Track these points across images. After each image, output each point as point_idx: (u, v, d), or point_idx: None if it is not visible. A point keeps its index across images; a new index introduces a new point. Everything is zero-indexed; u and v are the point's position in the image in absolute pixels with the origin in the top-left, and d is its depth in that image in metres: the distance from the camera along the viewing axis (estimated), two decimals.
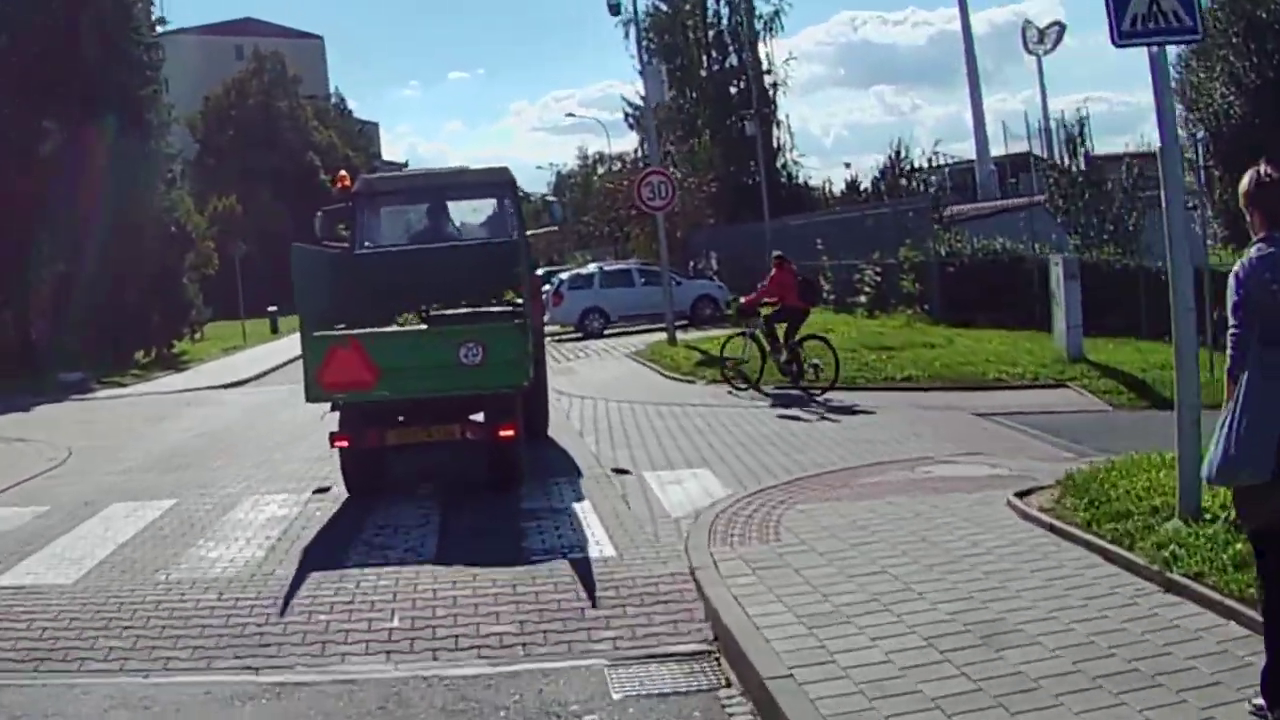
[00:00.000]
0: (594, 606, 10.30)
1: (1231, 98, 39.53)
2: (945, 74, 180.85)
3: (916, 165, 55.97)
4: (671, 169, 58.97)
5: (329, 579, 11.45)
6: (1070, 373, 25.62)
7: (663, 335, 37.25)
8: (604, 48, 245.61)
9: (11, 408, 29.85)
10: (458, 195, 20.36)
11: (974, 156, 70.54)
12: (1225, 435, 6.68)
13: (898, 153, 55.43)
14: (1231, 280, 6.78)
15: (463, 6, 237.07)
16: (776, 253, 28.10)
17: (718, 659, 8.91)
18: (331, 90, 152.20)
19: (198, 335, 60.17)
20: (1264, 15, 39.29)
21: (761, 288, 26.24)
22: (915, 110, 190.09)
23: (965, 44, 65.31)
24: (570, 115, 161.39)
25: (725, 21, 78.10)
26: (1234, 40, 39.55)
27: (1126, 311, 32.10)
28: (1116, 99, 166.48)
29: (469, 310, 15.71)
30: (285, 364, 44.49)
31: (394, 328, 15.88)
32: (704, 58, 78.25)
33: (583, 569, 11.37)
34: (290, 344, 56.19)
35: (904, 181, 54.53)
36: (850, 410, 22.20)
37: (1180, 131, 25.15)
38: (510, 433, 15.03)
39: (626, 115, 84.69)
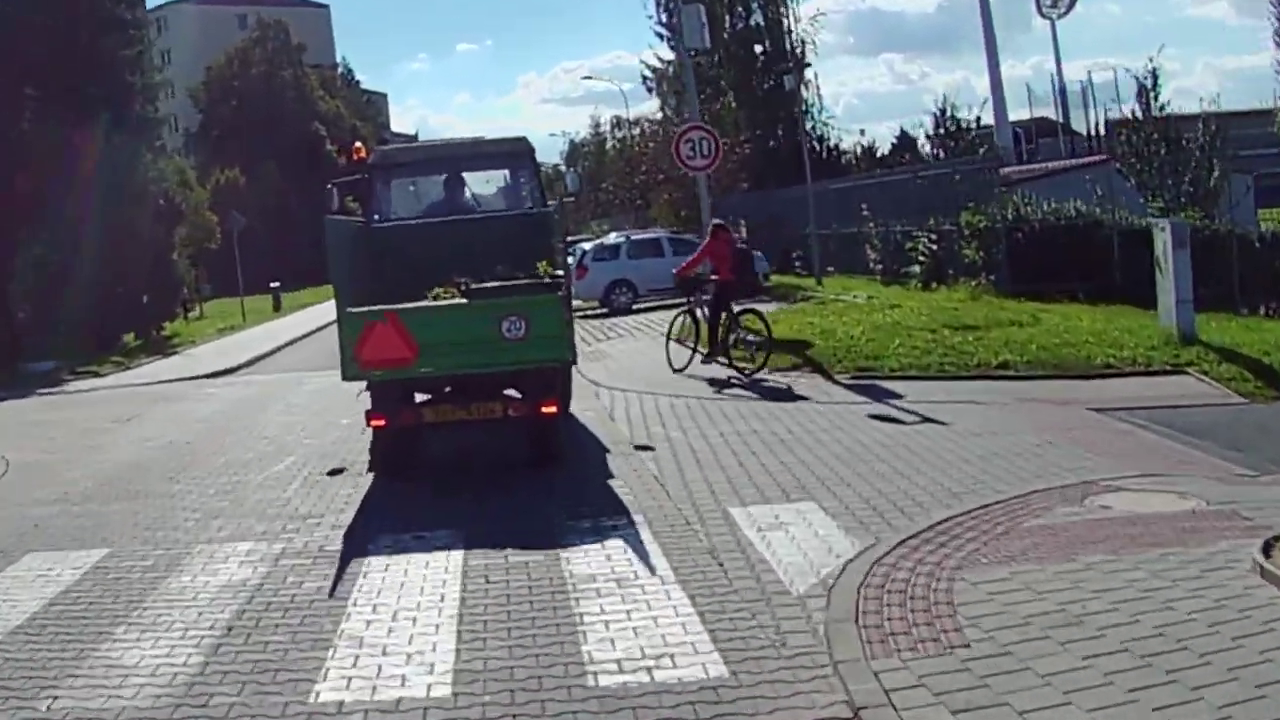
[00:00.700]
0: None
1: None
2: (953, 41, 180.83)
3: (964, 125, 51.78)
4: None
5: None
6: (1185, 356, 21.86)
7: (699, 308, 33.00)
8: (611, 19, 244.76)
9: None
10: (476, 166, 19.78)
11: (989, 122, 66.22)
12: None
13: (943, 111, 51.23)
14: None
15: None
16: (715, 220, 26.34)
17: None
18: (338, 60, 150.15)
19: (192, 315, 56.66)
20: None
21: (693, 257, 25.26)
22: (924, 78, 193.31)
23: (981, 6, 59.56)
24: (587, 78, 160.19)
25: None
26: None
27: (1219, 282, 28.54)
28: (1122, 64, 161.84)
29: (509, 283, 14.88)
30: (282, 347, 41.34)
31: (431, 302, 15.33)
32: (727, 17, 74.34)
33: None
34: (291, 324, 53.71)
35: (951, 143, 50.39)
36: (948, 406, 18.35)
37: None
38: (553, 409, 14.88)
39: (645, 79, 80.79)
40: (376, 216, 18.30)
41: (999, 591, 8.85)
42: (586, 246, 45.94)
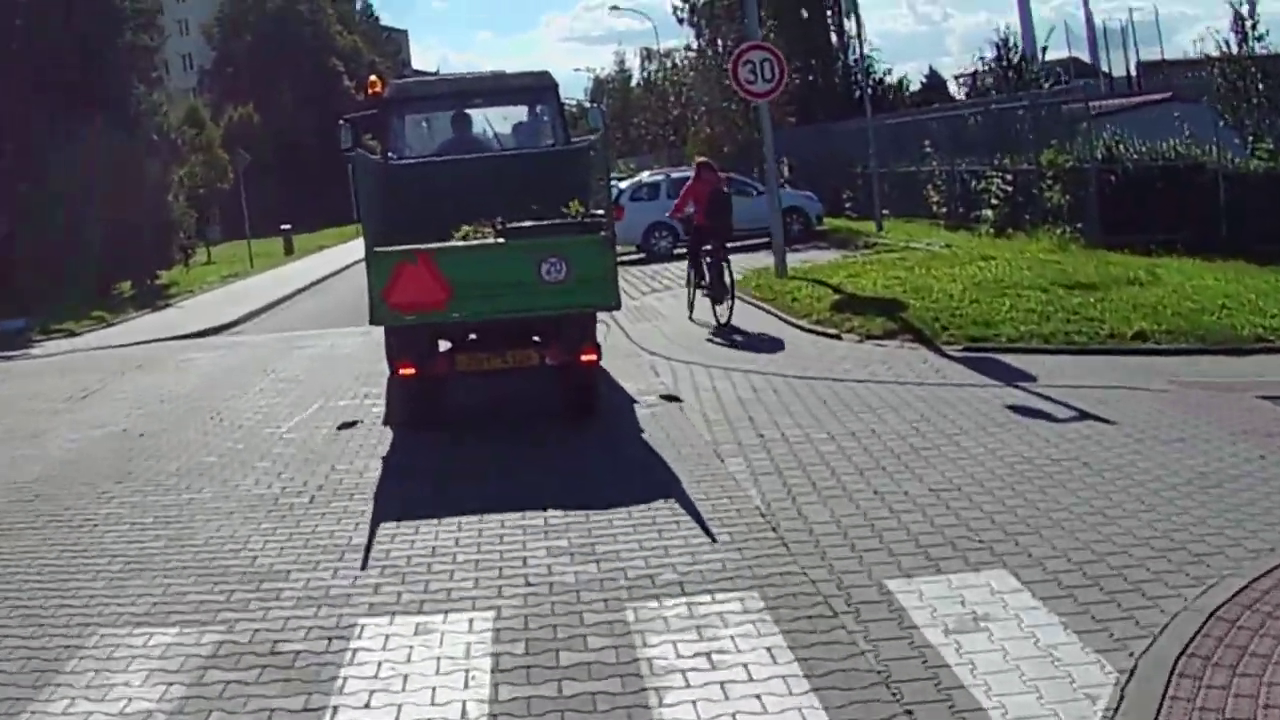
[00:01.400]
0: None
1: None
2: None
3: (1028, 58, 47.29)
4: (725, 68, 51.72)
5: None
6: None
7: (753, 258, 30.70)
8: None
9: None
10: (497, 101, 19.09)
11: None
12: None
13: (1005, 41, 46.75)
14: None
15: None
16: (700, 158, 25.91)
17: None
18: None
19: (197, 260, 52.93)
20: None
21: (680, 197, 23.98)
22: (946, 19, 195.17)
23: None
24: (614, 7, 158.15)
25: None
26: None
27: None
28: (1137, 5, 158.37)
29: (547, 222, 14.20)
30: (287, 298, 37.60)
31: (462, 242, 14.77)
32: None
33: None
34: (301, 270, 49.92)
35: (1013, 75, 46.03)
36: (1096, 393, 14.37)
37: None
38: (593, 357, 14.40)
39: (675, 9, 76.26)
40: (393, 154, 17.68)
41: None
42: (623, 185, 42.09)
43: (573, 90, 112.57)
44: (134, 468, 13.66)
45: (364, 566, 9.52)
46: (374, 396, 17.05)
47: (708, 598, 8.23)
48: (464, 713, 6.72)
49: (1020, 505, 9.84)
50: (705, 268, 22.22)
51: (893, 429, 12.93)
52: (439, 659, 7.47)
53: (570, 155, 16.99)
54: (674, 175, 41.27)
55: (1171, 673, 6.44)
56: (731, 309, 21.51)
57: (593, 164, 16.07)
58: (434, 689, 7.03)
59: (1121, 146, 31.30)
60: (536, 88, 18.56)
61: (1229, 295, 20.00)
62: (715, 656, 7.17)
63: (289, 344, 24.20)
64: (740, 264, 31.30)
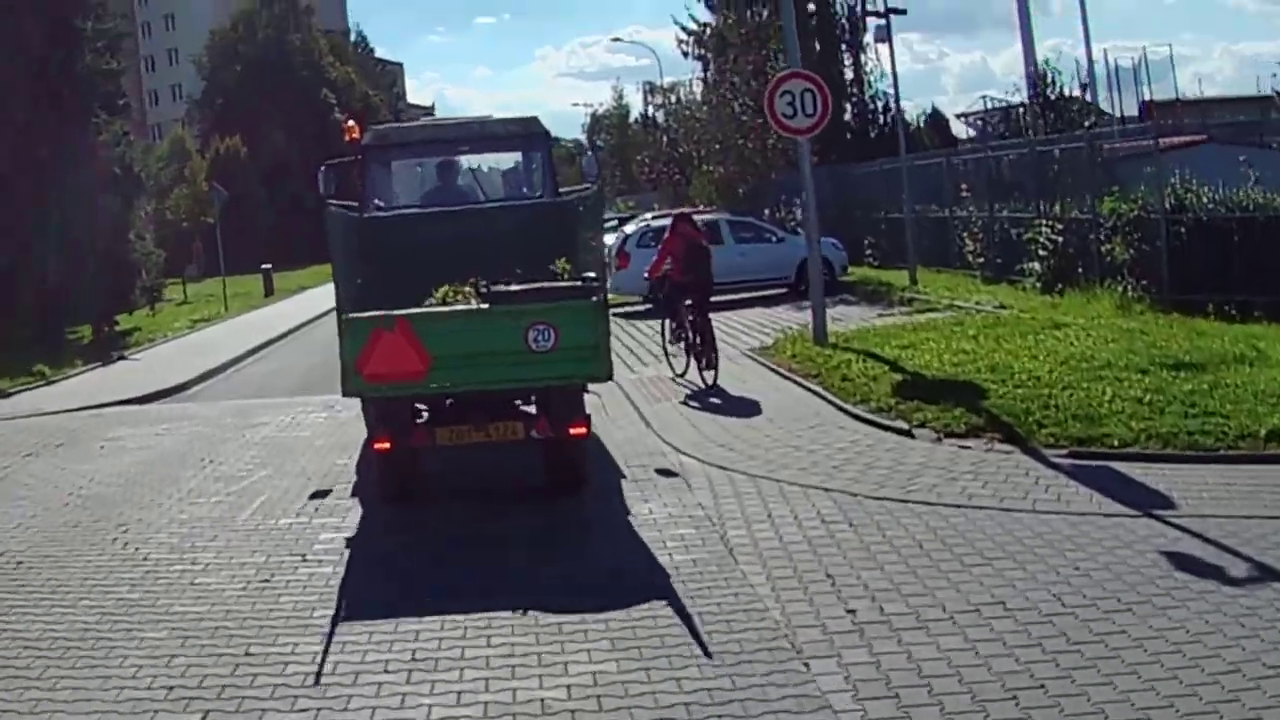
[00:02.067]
0: None
1: None
2: (969, 23, 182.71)
3: (1068, 93, 43.99)
4: (736, 106, 48.41)
5: None
6: None
7: (774, 313, 29.87)
8: None
9: None
10: (483, 148, 18.62)
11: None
12: None
13: (1044, 76, 43.28)
14: None
15: None
16: (679, 210, 25.08)
17: None
18: (352, 27, 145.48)
19: (170, 301, 49.58)
20: None
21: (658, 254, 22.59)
22: (942, 58, 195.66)
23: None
24: (616, 39, 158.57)
25: None
26: None
27: None
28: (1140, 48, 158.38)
29: (535, 285, 13.40)
30: (256, 350, 33.96)
31: (447, 306, 13.86)
32: None
33: None
34: (279, 314, 46.19)
35: (1049, 115, 42.66)
36: (1264, 525, 11.04)
37: None
38: (583, 430, 13.44)
39: (680, 43, 73.21)
40: (378, 204, 16.86)
41: None
42: (629, 229, 38.68)
43: (569, 126, 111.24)
44: None
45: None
46: (328, 512, 13.71)
47: None
48: None
49: None
50: (689, 325, 20.83)
51: (1026, 598, 9.38)
52: None
53: (558, 209, 16.21)
54: None
55: None
56: (717, 369, 20.27)
57: (583, 219, 15.37)
58: None
59: (1193, 195, 27.51)
60: (525, 135, 17.70)
61: None
62: None
63: (241, 418, 20.52)
64: (761, 320, 28.45)
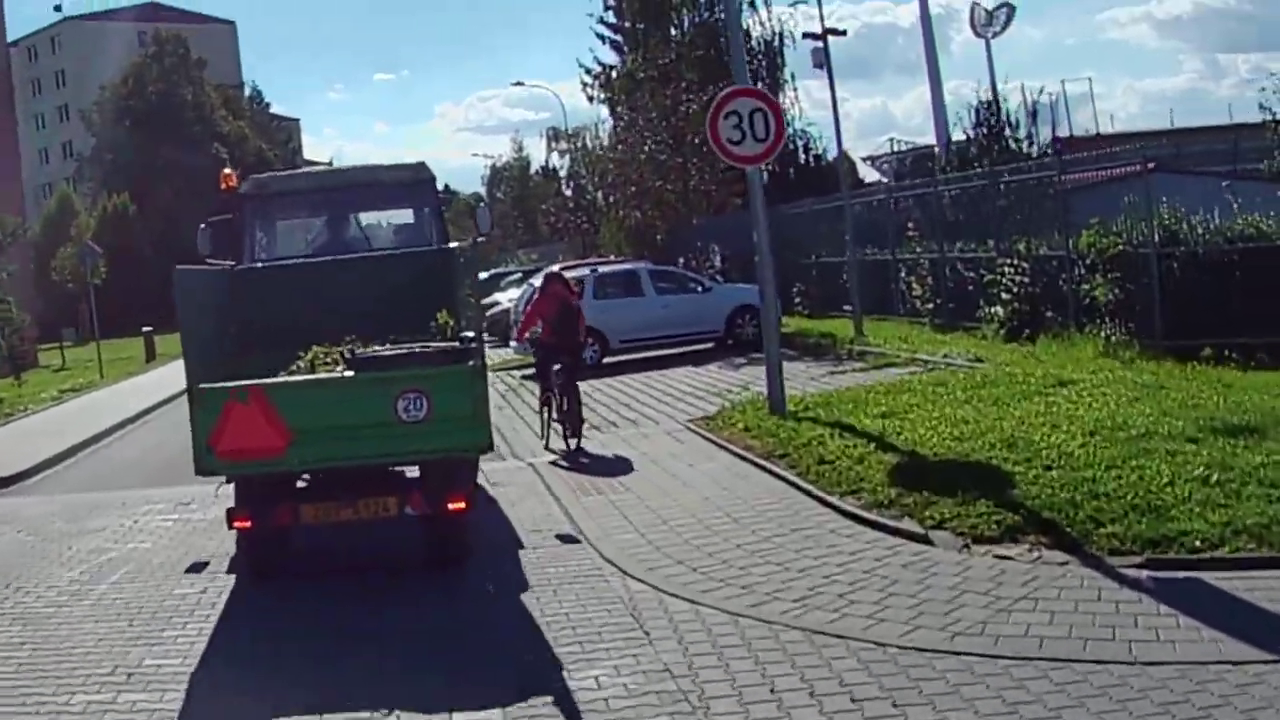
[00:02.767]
0: None
1: None
2: (868, 69, 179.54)
3: (1014, 119, 40.93)
4: (650, 146, 45.06)
5: None
6: None
7: (702, 372, 27.64)
8: (524, 49, 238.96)
9: None
10: (369, 197, 17.49)
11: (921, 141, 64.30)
12: None
13: (988, 105, 40.16)
14: None
15: (383, 6, 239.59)
16: (550, 268, 24.33)
17: None
18: (246, 81, 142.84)
19: (24, 374, 45.68)
20: None
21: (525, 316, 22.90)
22: (842, 103, 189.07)
23: (924, 27, 62.40)
24: (518, 84, 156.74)
25: None
26: None
27: None
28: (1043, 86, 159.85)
29: (405, 350, 12.48)
30: (118, 426, 30.42)
31: (307, 375, 12.91)
32: (678, 12, 64.86)
33: None
34: (156, 382, 41.76)
35: (994, 146, 39.59)
36: None
37: None
38: (462, 505, 12.42)
39: (585, 85, 70.68)
40: (262, 259, 16.33)
41: None
42: (537, 282, 35.19)
43: (470, 179, 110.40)
44: None
45: None
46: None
47: None
48: None
49: None
50: (555, 390, 19.87)
51: None
52: None
53: (444, 258, 15.08)
54: (602, 270, 34.47)
55: None
56: (580, 435, 19.56)
57: (466, 271, 14.88)
58: None
59: (1184, 225, 24.11)
60: (412, 182, 17.20)
61: None
62: None
63: (72, 522, 16.59)
64: (694, 381, 26.43)
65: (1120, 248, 24.22)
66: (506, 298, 42.05)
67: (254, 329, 14.30)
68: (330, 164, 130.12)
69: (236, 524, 12.36)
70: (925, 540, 11.73)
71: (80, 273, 61.90)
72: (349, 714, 8.67)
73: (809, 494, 13.89)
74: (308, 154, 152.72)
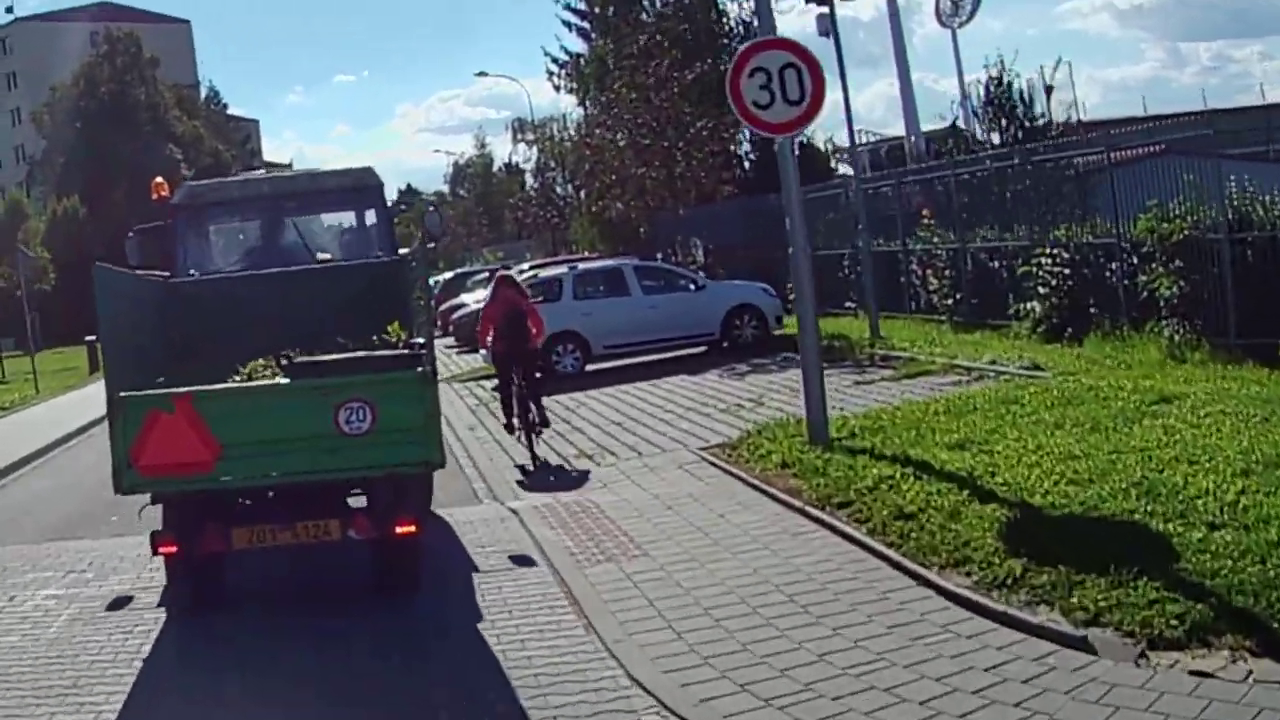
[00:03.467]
0: None
1: None
2: (827, 63, 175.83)
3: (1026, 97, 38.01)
4: (630, 129, 41.94)
5: None
6: None
7: (710, 380, 25.10)
8: (484, 49, 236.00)
9: None
10: (311, 204, 17.15)
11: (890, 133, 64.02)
12: None
13: (998, 80, 37.18)
14: None
15: (346, 7, 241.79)
16: (501, 269, 23.75)
17: None
18: (204, 82, 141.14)
19: None
20: None
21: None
22: None
23: (892, 21, 58.86)
24: (482, 74, 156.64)
25: None
26: None
27: None
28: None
29: (347, 356, 12.13)
30: (46, 449, 28.50)
31: (238, 382, 12.63)
32: None
33: None
34: (94, 397, 37.94)
35: (1003, 122, 36.70)
36: None
37: None
38: (411, 528, 11.52)
39: (551, 74, 67.98)
40: (184, 269, 15.51)
41: None
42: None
43: (432, 180, 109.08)
44: None
45: None
46: None
47: None
48: None
49: None
50: (516, 400, 19.28)
51: None
52: None
53: (393, 268, 14.89)
54: (583, 268, 31.75)
55: None
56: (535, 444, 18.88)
57: (417, 279, 14.11)
58: None
59: (1261, 208, 20.82)
60: (358, 188, 16.63)
61: None
62: None
63: None
64: (695, 394, 23.44)
65: (1185, 233, 21.00)
66: (474, 299, 39.18)
67: (189, 344, 13.83)
68: (290, 165, 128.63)
69: (161, 549, 11.54)
70: (1083, 645, 8.30)
71: (30, 280, 59.92)
72: None
73: (896, 565, 10.41)
74: (268, 156, 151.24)
